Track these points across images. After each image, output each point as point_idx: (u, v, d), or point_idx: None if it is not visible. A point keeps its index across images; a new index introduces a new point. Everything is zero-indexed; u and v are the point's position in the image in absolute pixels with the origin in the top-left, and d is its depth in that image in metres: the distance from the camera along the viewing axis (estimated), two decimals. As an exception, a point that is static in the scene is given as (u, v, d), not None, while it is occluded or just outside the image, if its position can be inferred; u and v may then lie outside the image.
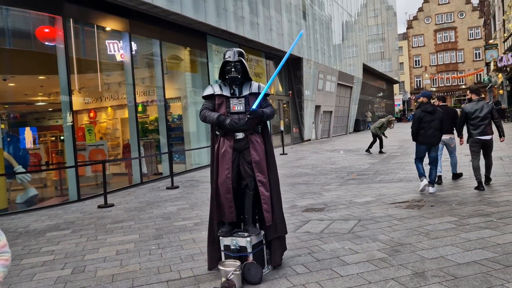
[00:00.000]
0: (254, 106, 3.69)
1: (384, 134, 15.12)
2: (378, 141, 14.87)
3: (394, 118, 15.31)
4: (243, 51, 3.90)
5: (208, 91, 3.89)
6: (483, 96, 7.56)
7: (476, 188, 6.88)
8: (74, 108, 9.69)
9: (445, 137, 7.54)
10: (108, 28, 10.52)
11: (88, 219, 6.93)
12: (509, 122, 26.25)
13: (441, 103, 8.06)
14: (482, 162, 7.05)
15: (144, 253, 4.72)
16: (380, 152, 14.53)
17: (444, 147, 7.87)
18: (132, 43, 10.98)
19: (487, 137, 6.93)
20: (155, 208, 7.47)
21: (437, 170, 7.37)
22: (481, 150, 7.06)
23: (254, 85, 3.91)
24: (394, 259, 3.89)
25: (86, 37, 10.36)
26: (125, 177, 11.57)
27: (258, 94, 3.83)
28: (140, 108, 12.30)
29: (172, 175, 10.24)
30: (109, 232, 5.86)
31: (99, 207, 7.98)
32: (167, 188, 9.84)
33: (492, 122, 6.96)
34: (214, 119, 3.72)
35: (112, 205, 8.03)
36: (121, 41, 10.76)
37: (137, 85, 11.33)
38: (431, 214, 5.48)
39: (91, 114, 13.60)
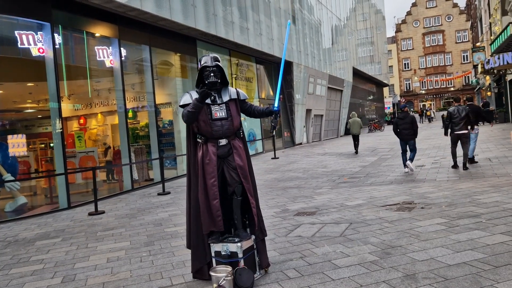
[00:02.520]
0: (276, 105, 3.84)
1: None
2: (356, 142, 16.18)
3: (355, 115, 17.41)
4: (218, 56, 3.91)
5: (186, 99, 3.80)
6: (461, 103, 10.34)
7: (452, 167, 9.60)
8: (64, 115, 9.63)
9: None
10: (97, 34, 10.48)
11: (78, 227, 6.86)
12: (497, 123, 26.56)
13: (468, 102, 10.56)
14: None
15: (135, 260, 4.69)
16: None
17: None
18: (122, 49, 10.95)
19: (462, 132, 9.37)
20: (146, 215, 7.43)
21: (470, 154, 9.80)
22: (458, 141, 9.49)
23: (232, 91, 3.93)
24: (385, 261, 3.91)
25: (75, 43, 10.33)
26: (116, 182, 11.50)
27: (236, 100, 3.91)
28: (130, 114, 12.26)
29: (164, 181, 10.19)
30: (100, 240, 5.81)
31: (90, 214, 7.91)
32: (159, 194, 9.79)
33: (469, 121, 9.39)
34: (194, 102, 3.60)
35: (103, 212, 7.97)
36: (110, 47, 10.72)
37: (127, 91, 11.30)
38: (422, 216, 5.51)
39: (81, 121, 13.50)
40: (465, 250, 4.02)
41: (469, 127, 9.49)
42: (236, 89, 4.01)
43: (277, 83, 20.23)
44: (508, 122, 23.03)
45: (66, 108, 11.38)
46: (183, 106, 3.82)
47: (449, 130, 9.68)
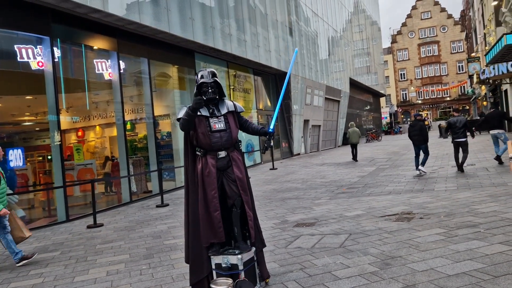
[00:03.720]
0: (271, 127, 3.90)
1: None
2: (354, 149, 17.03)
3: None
4: (215, 71, 3.98)
5: (183, 112, 3.80)
6: (462, 114, 11.52)
7: (458, 170, 10.58)
8: (62, 128, 9.64)
9: (494, 131, 11.06)
10: (96, 48, 10.56)
11: (77, 240, 6.84)
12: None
13: (493, 109, 12.25)
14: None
15: (135, 273, 4.68)
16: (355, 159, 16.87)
17: (498, 139, 11.03)
18: (120, 61, 11.03)
19: (461, 139, 10.58)
20: (145, 227, 7.42)
21: (498, 153, 10.97)
22: (459, 148, 10.74)
23: (229, 104, 4.00)
24: (385, 272, 3.92)
25: (74, 56, 10.39)
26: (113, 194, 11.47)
27: (234, 112, 3.97)
28: (128, 126, 12.28)
29: (162, 193, 10.19)
30: (99, 253, 5.79)
31: (88, 227, 7.89)
32: (157, 206, 9.78)
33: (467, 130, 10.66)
34: (189, 110, 3.65)
35: (102, 225, 7.95)
36: (109, 60, 10.80)
37: (125, 103, 11.34)
38: (421, 226, 5.53)
39: (79, 133, 13.52)
40: (464, 260, 4.03)
41: (468, 134, 10.69)
42: (233, 102, 4.08)
43: (274, 93, 20.30)
44: (505, 132, 23.17)
45: (65, 120, 11.39)
46: (180, 119, 3.87)
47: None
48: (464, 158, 10.58)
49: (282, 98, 4.20)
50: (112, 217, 8.81)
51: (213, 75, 3.88)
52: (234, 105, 4.02)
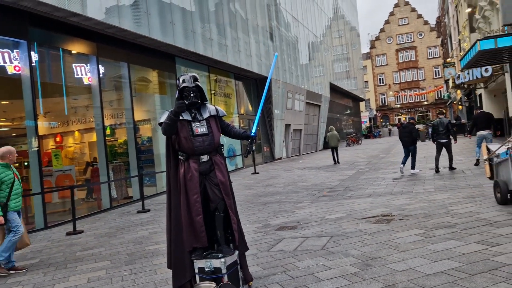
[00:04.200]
0: (253, 131, 3.93)
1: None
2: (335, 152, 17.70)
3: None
4: (197, 76, 4.00)
5: (165, 116, 3.78)
6: (445, 116, 11.90)
7: (435, 172, 11.04)
8: (40, 133, 9.47)
9: (483, 132, 11.16)
10: (74, 52, 10.42)
11: (56, 247, 6.72)
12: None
13: (479, 110, 12.48)
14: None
15: (116, 279, 4.63)
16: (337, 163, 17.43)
17: (484, 139, 10.92)
18: (100, 66, 10.91)
19: (444, 140, 11.11)
20: (126, 233, 7.34)
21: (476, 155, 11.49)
22: (443, 148, 11.17)
23: (211, 108, 4.01)
24: (366, 273, 3.99)
25: (52, 60, 10.23)
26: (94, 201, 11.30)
27: (216, 116, 3.98)
28: (108, 131, 12.13)
29: (143, 198, 10.09)
30: (79, 260, 5.70)
31: (68, 234, 7.75)
32: (138, 212, 9.68)
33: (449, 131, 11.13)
34: (171, 115, 3.66)
35: (82, 232, 7.83)
36: (88, 64, 10.67)
37: (105, 108, 11.21)
38: (400, 227, 5.65)
39: (58, 139, 13.28)
40: (442, 259, 4.14)
41: (451, 137, 11.16)
42: (215, 106, 4.10)
43: (255, 98, 20.39)
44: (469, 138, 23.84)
45: (42, 126, 11.18)
46: (162, 123, 3.86)
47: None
48: (450, 159, 11.16)
49: (263, 102, 4.24)
50: (92, 224, 8.68)
51: (195, 79, 3.89)
52: (216, 109, 4.04)
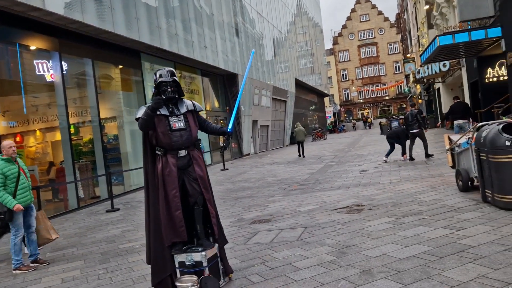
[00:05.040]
0: (230, 126, 3.97)
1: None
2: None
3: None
4: (174, 70, 4.00)
5: (142, 112, 3.76)
6: (416, 108, 13.11)
7: (409, 160, 11.67)
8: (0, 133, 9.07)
9: (459, 121, 11.49)
10: (34, 47, 10.02)
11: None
12: (429, 128, 28.49)
13: (456, 100, 12.14)
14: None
15: (92, 278, 4.55)
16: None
17: (462, 129, 11.16)
18: (63, 62, 10.57)
19: (415, 131, 11.60)
20: (97, 232, 7.19)
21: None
22: (416, 138, 11.74)
23: (188, 103, 4.02)
24: (342, 260, 4.12)
25: (10, 57, 9.80)
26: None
27: (193, 111, 3.99)
28: (72, 130, 11.78)
29: (112, 197, 9.90)
30: (50, 261, 5.54)
31: (35, 236, 7.49)
32: (107, 211, 9.49)
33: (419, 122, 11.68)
34: (148, 110, 3.65)
35: (49, 233, 7.58)
36: (50, 61, 10.31)
37: (69, 106, 10.88)
38: (371, 216, 5.85)
39: (18, 139, 12.75)
40: (412, 244, 4.33)
41: (422, 127, 11.71)
42: (191, 101, 4.09)
43: (222, 94, 20.32)
44: (438, 127, 24.81)
45: (0, 125, 10.73)
46: (138, 119, 3.82)
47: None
48: (425, 147, 11.70)
49: (239, 99, 4.28)
50: (60, 224, 8.43)
51: (172, 74, 3.88)
52: (193, 104, 4.04)
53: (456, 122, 11.65)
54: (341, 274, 3.74)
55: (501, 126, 5.25)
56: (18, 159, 5.50)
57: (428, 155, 11.62)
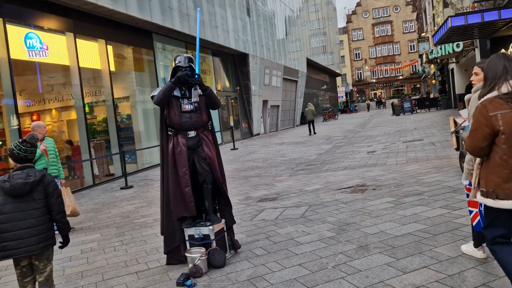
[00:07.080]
0: (197, 71, 4.13)
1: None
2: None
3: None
4: (192, 56, 4.21)
5: (163, 85, 4.10)
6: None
7: None
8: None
9: None
10: (48, 28, 10.26)
11: (44, 223, 6.88)
12: (441, 109, 28.30)
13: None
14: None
15: (109, 250, 4.89)
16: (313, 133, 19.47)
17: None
18: (77, 43, 10.80)
19: None
20: (112, 208, 7.56)
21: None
22: None
23: (199, 90, 4.21)
24: (342, 236, 4.38)
25: (28, 38, 10.05)
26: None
27: (204, 95, 4.16)
28: (87, 109, 12.12)
29: (126, 175, 10.27)
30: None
31: (53, 210, 7.89)
32: (121, 188, 9.87)
33: None
34: (171, 82, 3.97)
35: (67, 208, 7.98)
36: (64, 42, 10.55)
37: (83, 85, 11.17)
38: (373, 196, 6.07)
39: (34, 117, 13.15)
40: (410, 223, 4.57)
41: None
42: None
43: (233, 74, 20.41)
44: (451, 108, 24.66)
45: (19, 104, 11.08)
46: (153, 97, 4.11)
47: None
48: None
49: (199, 40, 4.31)
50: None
51: (189, 60, 4.12)
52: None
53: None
54: (340, 249, 4.01)
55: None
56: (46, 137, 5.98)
57: None
